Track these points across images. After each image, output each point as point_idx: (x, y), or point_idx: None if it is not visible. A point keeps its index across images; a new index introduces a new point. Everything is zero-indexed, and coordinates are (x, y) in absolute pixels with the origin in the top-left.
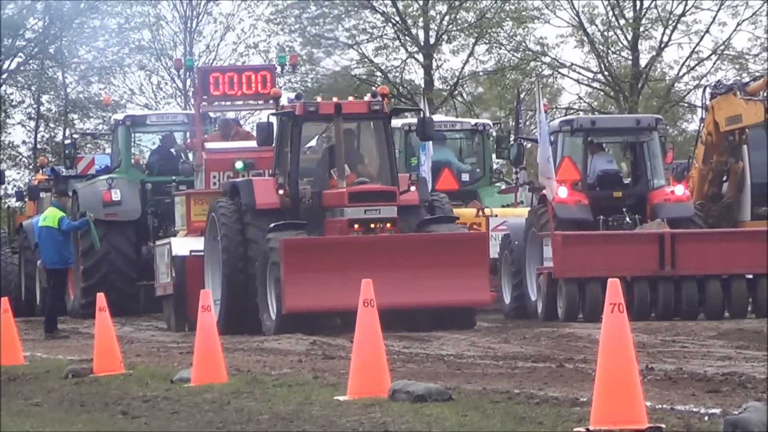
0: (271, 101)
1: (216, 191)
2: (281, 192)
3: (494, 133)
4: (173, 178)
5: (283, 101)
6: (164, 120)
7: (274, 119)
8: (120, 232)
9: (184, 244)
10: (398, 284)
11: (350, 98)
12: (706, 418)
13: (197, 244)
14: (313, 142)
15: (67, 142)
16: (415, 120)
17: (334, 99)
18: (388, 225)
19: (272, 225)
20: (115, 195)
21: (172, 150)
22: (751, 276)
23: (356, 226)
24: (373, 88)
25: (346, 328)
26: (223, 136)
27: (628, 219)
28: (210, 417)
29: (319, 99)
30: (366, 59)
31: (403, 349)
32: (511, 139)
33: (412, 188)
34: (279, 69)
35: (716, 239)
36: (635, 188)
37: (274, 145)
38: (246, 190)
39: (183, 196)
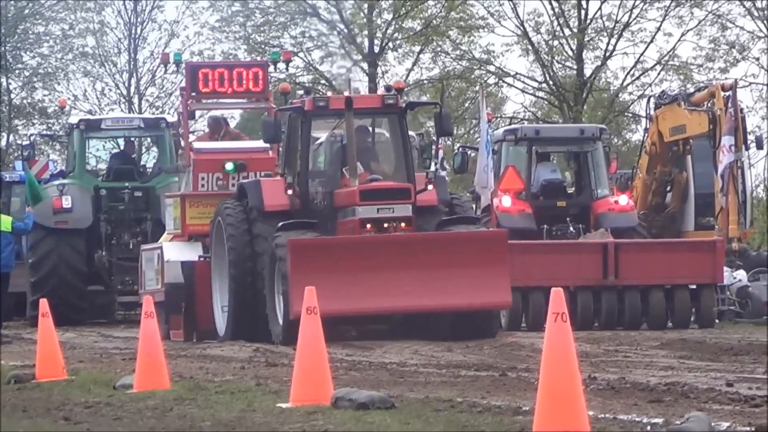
0: (263, 100)
1: (211, 194)
2: (290, 192)
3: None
4: (126, 184)
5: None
6: (120, 124)
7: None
8: (69, 242)
9: (179, 250)
10: (412, 287)
11: (362, 92)
12: (649, 427)
13: (191, 248)
14: (323, 139)
15: (25, 143)
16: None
17: (345, 93)
18: (403, 225)
19: (280, 224)
20: (66, 202)
21: (133, 156)
22: (694, 286)
23: (368, 225)
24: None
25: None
26: (212, 134)
27: (571, 228)
28: (152, 423)
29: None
30: (311, 67)
31: (346, 357)
32: (433, 148)
33: (430, 187)
34: (272, 66)
35: (660, 249)
36: (579, 198)
37: (281, 143)
38: (253, 191)
39: (177, 198)
